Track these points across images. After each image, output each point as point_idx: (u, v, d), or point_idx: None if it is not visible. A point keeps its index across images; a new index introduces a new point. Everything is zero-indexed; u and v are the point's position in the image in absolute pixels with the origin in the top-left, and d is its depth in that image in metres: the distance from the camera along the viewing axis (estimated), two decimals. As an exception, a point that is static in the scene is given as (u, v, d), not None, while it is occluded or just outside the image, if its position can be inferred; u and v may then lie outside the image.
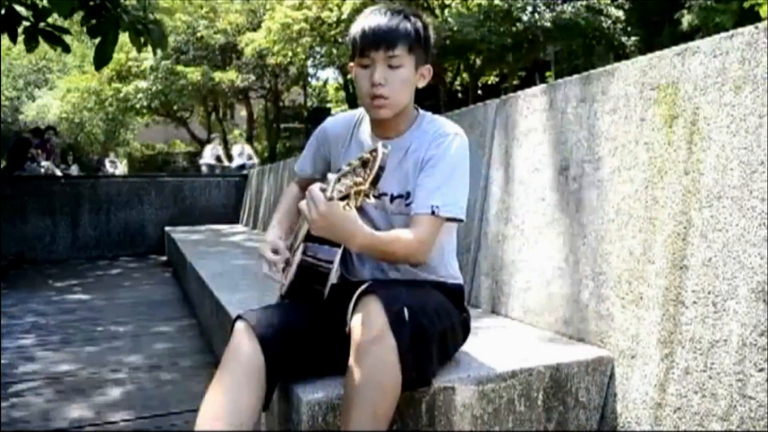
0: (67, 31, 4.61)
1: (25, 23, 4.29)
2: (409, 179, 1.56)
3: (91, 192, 8.24)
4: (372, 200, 1.26)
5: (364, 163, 1.24)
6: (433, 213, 1.49)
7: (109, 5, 4.09)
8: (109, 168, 17.97)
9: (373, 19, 1.51)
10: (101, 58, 4.14)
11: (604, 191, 1.84)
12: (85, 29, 4.30)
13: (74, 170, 14.52)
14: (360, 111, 1.68)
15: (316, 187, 1.36)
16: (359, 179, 1.22)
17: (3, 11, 4.18)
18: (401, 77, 1.50)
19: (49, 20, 4.39)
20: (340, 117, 1.75)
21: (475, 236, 2.53)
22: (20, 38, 4.35)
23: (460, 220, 1.57)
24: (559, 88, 2.09)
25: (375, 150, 1.23)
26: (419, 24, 1.53)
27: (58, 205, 7.98)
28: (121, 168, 19.96)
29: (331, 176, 1.36)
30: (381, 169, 1.21)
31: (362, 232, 1.40)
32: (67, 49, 4.47)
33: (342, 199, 1.25)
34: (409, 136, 1.59)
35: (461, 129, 1.60)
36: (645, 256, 1.67)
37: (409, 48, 1.50)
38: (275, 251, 1.57)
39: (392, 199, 1.59)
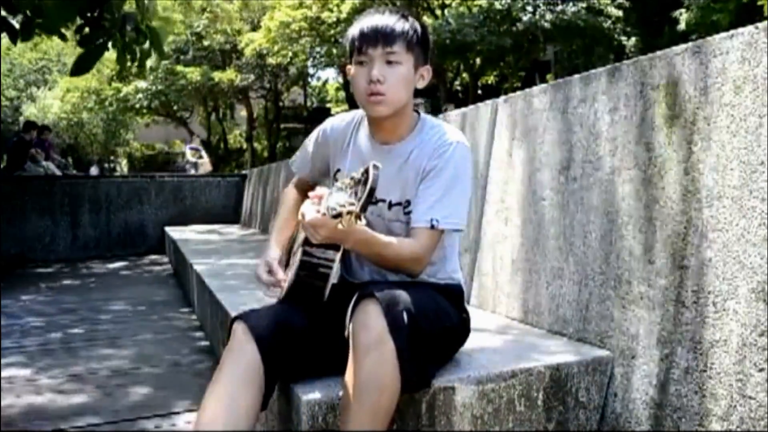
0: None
1: (21, 17, 4.28)
2: (408, 187, 1.55)
3: (91, 192, 8.24)
4: (363, 221, 1.26)
5: (357, 183, 1.24)
6: (432, 227, 1.49)
7: (106, 18, 4.06)
8: (190, 158, 12.77)
9: (371, 18, 1.51)
10: (81, 68, 4.10)
11: (604, 191, 1.84)
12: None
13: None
14: (359, 112, 1.66)
15: (309, 208, 1.36)
16: (351, 199, 1.22)
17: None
18: (400, 74, 1.49)
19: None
20: (339, 118, 1.74)
21: (475, 236, 2.53)
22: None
23: (460, 230, 1.58)
24: (559, 88, 2.09)
25: (367, 170, 1.23)
26: (417, 25, 1.53)
27: (58, 205, 7.98)
28: (207, 159, 13.68)
29: (325, 190, 1.36)
30: (372, 190, 1.21)
31: (359, 227, 1.38)
32: (63, 38, 4.44)
33: (334, 217, 1.25)
34: (410, 142, 1.57)
35: (463, 136, 1.59)
36: (645, 256, 1.67)
37: (407, 46, 1.49)
38: (269, 272, 1.57)
39: (390, 206, 1.57)
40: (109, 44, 4.09)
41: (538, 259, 2.12)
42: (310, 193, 1.41)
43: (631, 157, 1.75)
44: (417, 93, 1.62)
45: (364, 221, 1.26)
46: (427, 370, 1.44)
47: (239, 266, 4.00)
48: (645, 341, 1.65)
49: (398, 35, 1.48)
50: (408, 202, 1.56)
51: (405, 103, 1.54)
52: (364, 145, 1.62)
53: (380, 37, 1.47)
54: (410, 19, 1.53)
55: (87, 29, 4.13)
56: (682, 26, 10.53)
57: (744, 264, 1.40)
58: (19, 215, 7.69)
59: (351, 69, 1.54)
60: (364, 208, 1.22)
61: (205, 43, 17.98)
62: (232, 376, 1.39)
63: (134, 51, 4.11)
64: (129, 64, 4.22)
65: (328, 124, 1.73)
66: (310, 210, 1.35)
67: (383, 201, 1.57)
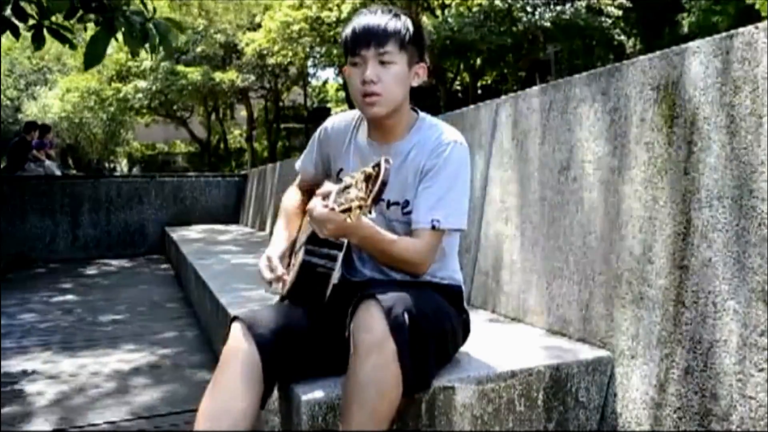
0: (70, 30, 4.60)
1: (31, 20, 4.28)
2: (407, 187, 1.55)
3: (91, 192, 8.25)
4: (373, 215, 1.27)
5: (367, 178, 1.24)
6: (434, 227, 1.49)
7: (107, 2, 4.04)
8: None
9: (363, 18, 1.51)
10: (93, 57, 4.07)
11: (604, 191, 1.84)
12: (84, 30, 4.27)
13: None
14: (359, 112, 1.67)
15: (318, 203, 1.37)
16: (361, 194, 1.22)
17: (9, 9, 4.16)
18: (393, 74, 1.49)
19: (54, 19, 4.38)
20: (340, 117, 1.74)
21: (475, 236, 2.53)
22: (26, 36, 4.34)
23: (462, 230, 1.58)
24: (559, 87, 2.09)
25: (378, 165, 1.23)
26: (409, 23, 1.52)
27: (58, 205, 7.98)
28: None
29: (333, 187, 1.36)
30: (384, 184, 1.21)
31: (365, 223, 1.42)
32: (72, 46, 4.45)
33: (343, 212, 1.25)
34: (408, 141, 1.57)
35: (461, 135, 1.59)
36: (645, 256, 1.67)
37: (400, 45, 1.49)
38: (271, 269, 1.54)
39: (389, 205, 1.57)
40: (116, 35, 4.07)
41: (538, 259, 2.12)
42: (318, 191, 1.42)
43: (631, 157, 1.74)
44: (418, 90, 1.62)
45: (373, 214, 1.27)
46: (427, 372, 1.44)
47: (239, 266, 4.00)
48: (645, 341, 1.65)
49: (390, 35, 1.48)
50: (407, 202, 1.56)
51: (401, 102, 1.54)
52: (363, 145, 1.62)
53: (372, 37, 1.47)
54: (402, 17, 1.52)
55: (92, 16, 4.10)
56: (685, 30, 10.57)
57: (744, 264, 1.40)
58: (19, 215, 7.69)
59: (347, 70, 1.55)
60: (375, 202, 1.22)
61: (205, 47, 17.98)
62: (231, 376, 1.39)
63: (138, 33, 4.06)
64: (137, 47, 4.17)
65: (329, 123, 1.74)
66: (318, 205, 1.36)
67: (382, 200, 1.57)
